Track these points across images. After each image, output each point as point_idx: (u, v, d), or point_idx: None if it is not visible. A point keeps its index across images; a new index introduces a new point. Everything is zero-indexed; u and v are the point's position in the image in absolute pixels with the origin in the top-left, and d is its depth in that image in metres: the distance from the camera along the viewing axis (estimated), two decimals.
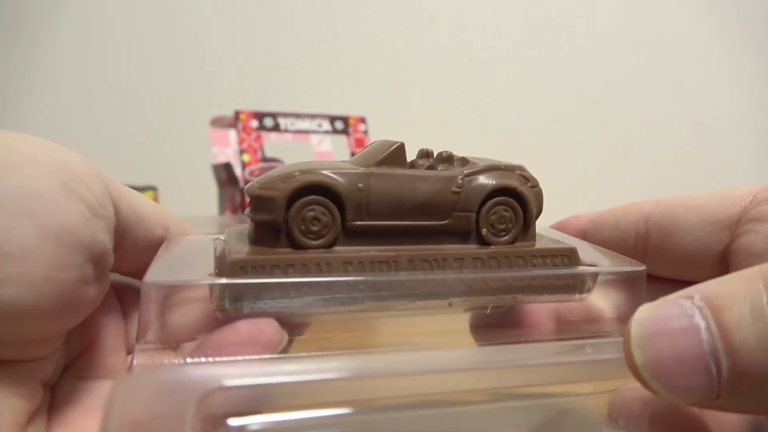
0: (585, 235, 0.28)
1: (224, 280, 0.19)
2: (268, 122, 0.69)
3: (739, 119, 1.07)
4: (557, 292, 0.22)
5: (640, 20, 1.08)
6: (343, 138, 0.72)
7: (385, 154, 0.23)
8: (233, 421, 0.17)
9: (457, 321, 0.25)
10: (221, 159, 0.69)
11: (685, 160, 1.06)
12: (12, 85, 1.01)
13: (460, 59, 1.06)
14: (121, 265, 0.23)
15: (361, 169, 0.22)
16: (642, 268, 0.23)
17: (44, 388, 0.21)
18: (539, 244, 0.24)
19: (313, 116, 0.71)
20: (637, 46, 1.08)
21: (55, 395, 0.22)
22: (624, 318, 0.23)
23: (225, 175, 0.68)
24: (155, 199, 0.76)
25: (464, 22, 1.06)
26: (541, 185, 0.25)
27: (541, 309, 0.24)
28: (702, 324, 0.16)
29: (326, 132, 0.72)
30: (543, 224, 0.29)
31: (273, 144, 0.69)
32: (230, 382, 0.16)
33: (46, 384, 0.21)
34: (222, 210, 0.71)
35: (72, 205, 0.19)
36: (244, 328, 0.19)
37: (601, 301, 0.24)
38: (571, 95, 1.08)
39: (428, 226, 0.22)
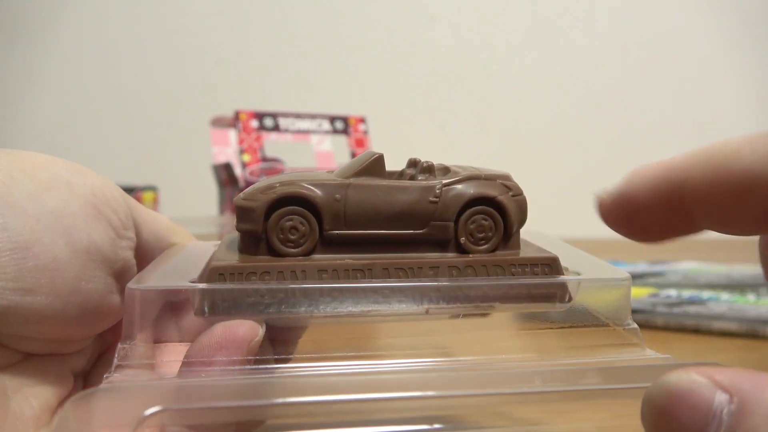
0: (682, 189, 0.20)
1: (201, 286, 0.21)
2: (268, 122, 0.69)
3: (739, 119, 1.07)
4: (537, 301, 0.22)
5: (640, 20, 1.08)
6: (343, 138, 0.72)
7: (363, 165, 0.24)
8: None
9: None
10: (221, 159, 0.69)
11: None
12: (12, 85, 1.01)
13: (460, 59, 1.06)
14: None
15: (339, 180, 0.23)
16: (626, 276, 0.23)
17: (75, 377, 0.23)
18: (523, 253, 0.24)
19: (313, 116, 0.71)
20: (637, 46, 1.08)
21: (88, 383, 0.24)
22: (608, 326, 0.22)
23: (225, 175, 0.69)
24: (155, 199, 0.76)
25: (464, 22, 1.06)
26: (526, 193, 0.25)
27: None
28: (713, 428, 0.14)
29: (326, 132, 0.72)
30: (543, 230, 0.29)
31: (273, 144, 0.69)
32: (155, 409, 0.17)
33: (78, 374, 0.23)
34: (222, 210, 0.71)
35: (100, 225, 0.22)
36: (217, 330, 0.20)
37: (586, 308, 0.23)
38: (571, 95, 1.08)
39: (406, 235, 0.23)
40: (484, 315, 0.24)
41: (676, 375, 0.15)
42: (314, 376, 0.20)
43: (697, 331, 0.43)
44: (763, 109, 1.07)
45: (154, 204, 0.76)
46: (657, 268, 0.56)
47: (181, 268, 0.23)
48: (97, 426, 0.16)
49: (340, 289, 0.21)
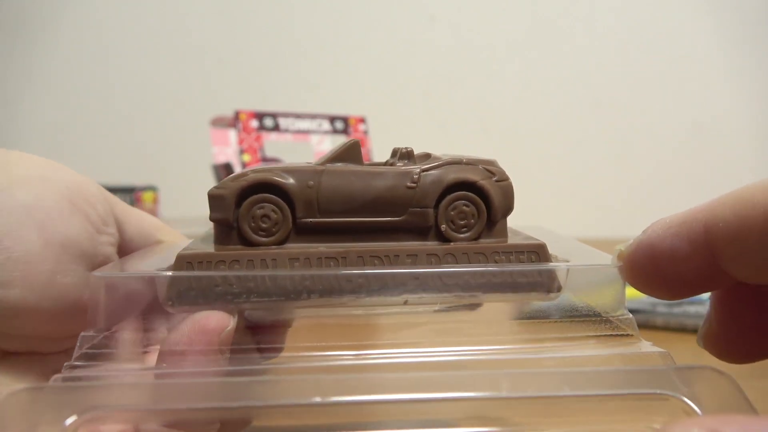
0: (711, 243, 0.19)
1: (166, 273, 0.20)
2: (268, 122, 0.69)
3: (738, 119, 1.07)
4: (523, 291, 0.21)
5: (640, 20, 1.08)
6: (343, 138, 0.72)
7: (337, 151, 0.23)
8: None
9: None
10: (221, 159, 0.69)
11: (684, 159, 1.06)
12: (12, 85, 1.01)
13: (460, 59, 1.06)
14: None
15: (313, 167, 0.22)
16: (619, 263, 0.21)
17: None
18: (508, 241, 0.22)
19: (313, 116, 0.71)
20: (637, 46, 1.08)
21: None
22: (600, 316, 0.21)
23: (225, 175, 0.68)
24: (155, 199, 0.76)
25: (464, 22, 1.06)
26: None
27: None
28: None
29: (326, 132, 0.72)
30: (540, 224, 0.29)
31: (273, 144, 0.69)
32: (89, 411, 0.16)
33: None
34: None
35: (76, 219, 0.21)
36: (188, 323, 0.20)
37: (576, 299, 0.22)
38: (571, 95, 1.08)
39: (383, 222, 0.22)
40: (472, 308, 0.23)
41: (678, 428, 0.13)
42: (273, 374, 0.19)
43: (697, 331, 0.43)
44: (763, 109, 1.07)
45: (154, 204, 0.76)
46: None
47: (157, 260, 0.23)
48: (28, 425, 0.16)
49: (312, 277, 0.20)
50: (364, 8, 1.04)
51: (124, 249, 0.24)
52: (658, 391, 0.17)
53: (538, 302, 0.22)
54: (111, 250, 0.23)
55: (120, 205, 0.24)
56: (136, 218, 0.25)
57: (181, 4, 1.02)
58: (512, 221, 0.24)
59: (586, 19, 1.08)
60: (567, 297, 0.21)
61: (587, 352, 0.21)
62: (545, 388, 0.17)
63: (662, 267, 0.19)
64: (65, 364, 0.19)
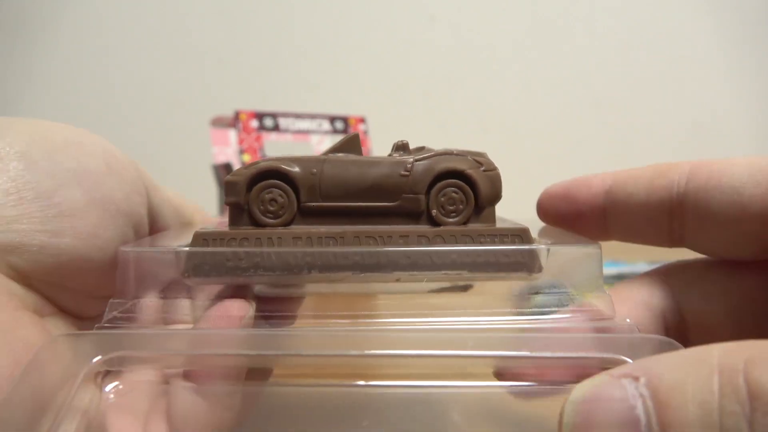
0: (607, 196, 0.25)
1: (184, 249, 0.23)
2: (268, 122, 0.69)
3: (739, 119, 1.07)
4: (506, 270, 0.23)
5: (640, 20, 1.08)
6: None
7: (340, 143, 0.25)
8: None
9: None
10: (221, 159, 0.69)
11: (684, 159, 1.06)
12: (12, 85, 1.01)
13: (460, 59, 1.06)
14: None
15: (316, 156, 0.25)
16: (596, 248, 0.23)
17: None
18: (497, 225, 0.24)
19: (313, 116, 0.71)
20: (637, 46, 1.08)
21: None
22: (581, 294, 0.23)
23: (225, 175, 0.68)
24: None
25: (464, 22, 1.06)
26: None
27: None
28: (643, 419, 0.13)
29: (326, 132, 0.72)
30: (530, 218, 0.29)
31: (273, 144, 0.69)
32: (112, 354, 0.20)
33: None
34: (222, 210, 0.71)
35: (113, 180, 0.24)
36: (213, 312, 0.22)
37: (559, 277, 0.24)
38: (571, 95, 1.08)
39: (379, 207, 0.24)
40: (464, 289, 0.25)
41: (581, 387, 0.15)
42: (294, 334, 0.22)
43: None
44: (763, 109, 1.07)
45: None
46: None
47: (173, 238, 0.26)
48: (59, 368, 0.19)
49: (312, 254, 0.23)
50: (364, 8, 1.04)
51: (151, 215, 0.27)
52: (606, 356, 0.19)
53: (524, 281, 0.24)
54: (144, 211, 0.26)
55: (147, 175, 0.27)
56: (160, 189, 0.28)
57: (181, 4, 1.02)
58: (514, 218, 0.26)
59: (586, 19, 1.08)
60: (546, 276, 0.23)
61: (558, 324, 0.23)
62: (506, 348, 0.20)
63: (567, 205, 0.26)
64: (95, 325, 0.22)
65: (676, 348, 0.18)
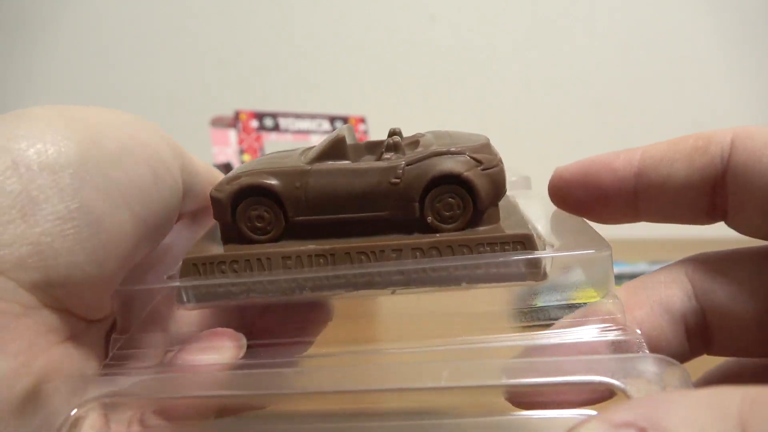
0: (638, 179, 0.22)
1: (175, 284, 0.22)
2: (268, 122, 0.69)
3: (739, 119, 1.07)
4: (508, 280, 0.21)
5: (640, 20, 1.08)
6: None
7: (321, 149, 0.24)
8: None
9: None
10: (221, 159, 0.69)
11: None
12: (12, 85, 1.01)
13: (460, 59, 1.06)
14: (181, 209, 0.27)
15: (300, 167, 0.23)
16: (605, 251, 0.21)
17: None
18: (495, 231, 0.22)
19: (313, 116, 0.71)
20: (637, 46, 1.08)
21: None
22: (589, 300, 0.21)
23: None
24: None
25: (464, 22, 1.06)
26: (502, 164, 0.24)
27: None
28: None
29: (326, 132, 0.72)
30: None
31: (273, 144, 0.69)
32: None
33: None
34: None
35: (156, 191, 0.23)
36: (201, 345, 0.22)
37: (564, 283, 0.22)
38: (571, 95, 1.08)
39: (370, 217, 0.23)
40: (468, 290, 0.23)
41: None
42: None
43: None
44: (763, 109, 1.07)
45: None
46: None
47: (167, 261, 0.25)
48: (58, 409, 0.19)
49: (305, 279, 0.22)
50: (364, 8, 1.04)
51: (186, 195, 0.26)
52: (597, 380, 0.17)
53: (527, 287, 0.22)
54: (176, 213, 0.25)
55: (185, 156, 0.26)
56: (189, 163, 0.26)
57: (181, 4, 1.02)
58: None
59: (586, 19, 1.07)
60: (552, 282, 0.22)
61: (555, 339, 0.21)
62: (483, 377, 0.18)
63: (590, 187, 0.23)
64: (104, 363, 0.22)
65: (675, 368, 0.16)
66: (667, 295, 0.21)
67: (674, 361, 0.17)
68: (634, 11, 1.08)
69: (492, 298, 0.23)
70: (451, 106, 1.06)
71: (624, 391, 0.16)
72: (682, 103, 1.08)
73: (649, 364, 0.17)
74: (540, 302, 0.22)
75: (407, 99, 1.04)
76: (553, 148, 1.09)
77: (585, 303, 0.21)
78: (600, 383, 0.17)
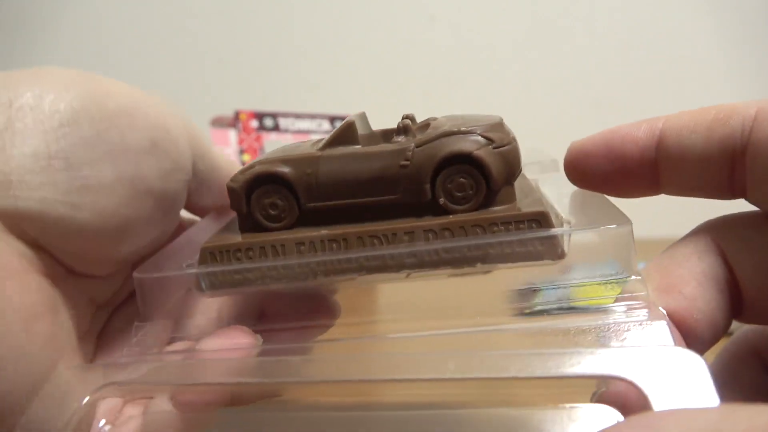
0: (659, 150, 0.22)
1: (192, 271, 0.23)
2: (268, 122, 0.69)
3: None
4: (524, 259, 0.21)
5: (640, 20, 1.08)
6: None
7: (332, 135, 0.24)
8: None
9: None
10: None
11: None
12: None
13: (460, 59, 1.06)
14: (198, 200, 0.29)
15: (311, 154, 0.24)
16: (625, 226, 0.20)
17: (101, 307, 0.26)
18: (509, 210, 0.22)
19: (313, 116, 0.71)
20: (637, 46, 1.08)
21: (114, 316, 0.27)
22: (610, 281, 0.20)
23: None
24: None
25: (464, 22, 1.06)
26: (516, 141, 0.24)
27: None
28: None
29: (326, 132, 0.72)
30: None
31: (273, 144, 0.69)
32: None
33: (104, 304, 0.26)
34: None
35: (153, 159, 0.24)
36: (218, 342, 0.22)
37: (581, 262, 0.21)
38: (571, 95, 1.08)
39: (381, 201, 0.23)
40: (486, 272, 0.23)
41: None
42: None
43: None
44: None
45: None
46: None
47: (185, 251, 0.25)
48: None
49: (318, 263, 0.22)
50: (364, 8, 1.04)
51: (196, 180, 0.27)
52: (608, 374, 0.16)
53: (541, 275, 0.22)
54: (181, 186, 0.26)
55: (199, 139, 0.27)
56: (207, 152, 0.27)
57: (181, 4, 1.02)
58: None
59: (586, 19, 1.07)
60: (570, 261, 0.21)
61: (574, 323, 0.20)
62: (491, 370, 0.17)
63: (611, 157, 0.22)
64: (125, 349, 0.23)
65: (696, 363, 0.15)
66: (708, 266, 0.20)
67: (692, 353, 0.16)
68: (634, 11, 1.08)
69: (501, 284, 0.23)
70: (452, 106, 1.06)
71: (640, 390, 0.15)
72: (682, 103, 1.07)
73: (669, 357, 0.16)
74: (539, 305, 0.22)
75: (407, 99, 1.04)
76: (553, 148, 1.08)
77: (586, 305, 0.21)
78: (615, 378, 0.16)
